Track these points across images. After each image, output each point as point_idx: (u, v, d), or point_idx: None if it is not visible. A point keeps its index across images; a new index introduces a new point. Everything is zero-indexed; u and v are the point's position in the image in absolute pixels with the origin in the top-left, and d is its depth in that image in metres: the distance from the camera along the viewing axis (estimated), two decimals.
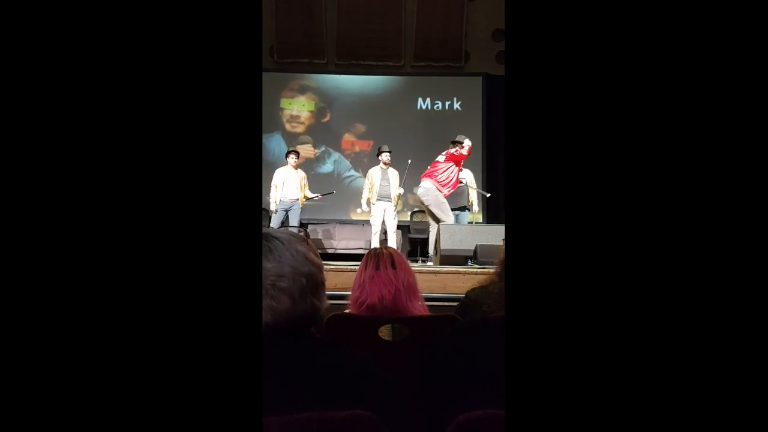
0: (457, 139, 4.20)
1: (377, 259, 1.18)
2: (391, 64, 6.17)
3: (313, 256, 0.66)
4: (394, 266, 1.16)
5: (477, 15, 6.13)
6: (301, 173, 4.79)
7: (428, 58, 6.17)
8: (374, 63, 6.09)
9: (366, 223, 5.22)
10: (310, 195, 4.81)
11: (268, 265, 0.61)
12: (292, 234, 0.67)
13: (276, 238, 0.64)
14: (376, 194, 4.43)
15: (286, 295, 0.61)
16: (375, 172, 4.51)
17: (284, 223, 4.60)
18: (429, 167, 4.20)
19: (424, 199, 4.04)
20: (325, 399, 0.58)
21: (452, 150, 4.11)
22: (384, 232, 4.47)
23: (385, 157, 4.48)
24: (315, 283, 0.64)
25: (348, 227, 5.75)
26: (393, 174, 4.52)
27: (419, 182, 4.17)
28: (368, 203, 4.49)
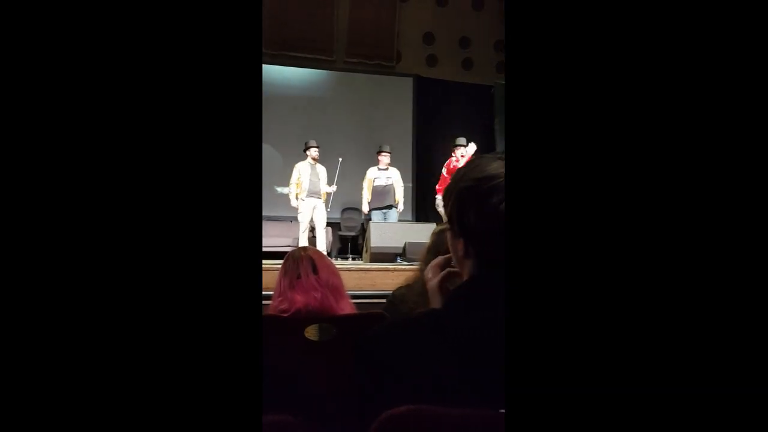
0: (458, 142, 4.22)
1: (297, 264, 1.14)
2: (322, 58, 6.08)
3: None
4: (316, 271, 1.14)
5: (409, 17, 6.26)
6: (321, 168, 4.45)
7: (360, 55, 6.18)
8: (305, 56, 5.96)
9: (294, 219, 5.11)
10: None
11: None
12: None
13: None
14: (305, 191, 4.35)
15: None
16: (303, 168, 4.42)
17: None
18: (440, 183, 4.22)
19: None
20: None
21: (453, 160, 4.16)
22: (312, 230, 4.41)
23: (313, 152, 4.40)
24: None
25: (274, 224, 5.58)
26: (322, 170, 4.47)
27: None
28: (297, 198, 4.39)
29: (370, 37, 6.15)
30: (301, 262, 1.14)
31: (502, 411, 0.50)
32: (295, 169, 4.46)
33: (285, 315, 1.10)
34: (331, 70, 6.16)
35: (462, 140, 4.39)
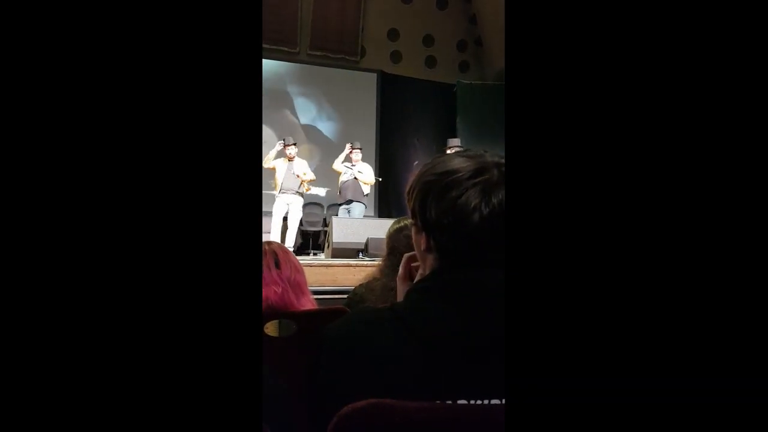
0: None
1: (268, 258, 1.11)
2: (286, 49, 5.96)
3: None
4: (278, 265, 1.12)
5: (374, 12, 6.24)
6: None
7: (324, 48, 6.10)
8: (268, 47, 5.82)
9: (266, 214, 4.98)
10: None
11: None
12: None
13: None
14: (280, 187, 4.28)
15: None
16: (279, 164, 4.33)
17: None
18: None
19: None
20: None
21: None
22: (285, 227, 4.34)
23: (291, 150, 4.32)
24: None
25: None
26: (299, 165, 4.38)
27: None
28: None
29: (334, 31, 6.08)
30: (264, 256, 1.11)
31: (462, 402, 0.51)
32: (269, 162, 4.35)
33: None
34: (294, 62, 6.05)
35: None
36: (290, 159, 4.37)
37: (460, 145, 4.48)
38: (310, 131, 6.05)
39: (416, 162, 4.72)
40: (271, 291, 1.07)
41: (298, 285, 1.13)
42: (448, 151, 4.51)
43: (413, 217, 0.62)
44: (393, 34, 6.39)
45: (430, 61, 6.54)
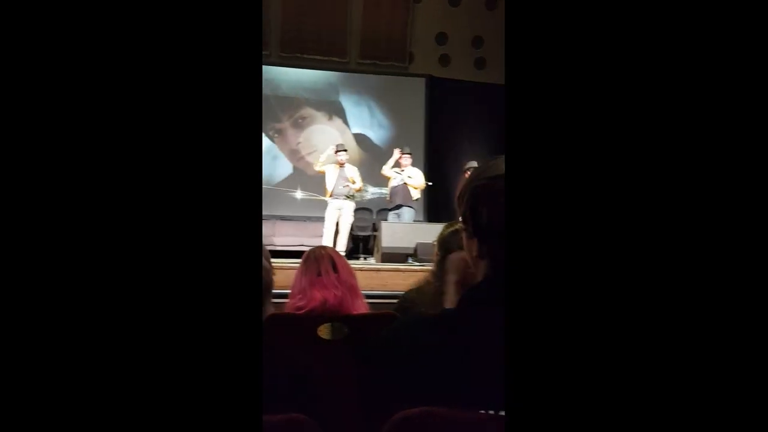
0: (469, 165, 4.40)
1: (317, 263, 1.15)
2: (336, 59, 6.11)
3: (262, 258, 0.63)
4: (336, 269, 1.14)
5: (422, 17, 6.25)
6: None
7: (373, 56, 6.19)
8: (319, 57, 6.00)
9: (308, 219, 5.13)
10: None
11: None
12: None
13: None
14: (331, 192, 4.39)
15: None
16: (330, 170, 4.45)
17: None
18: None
19: None
20: (265, 403, 0.56)
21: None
22: (337, 232, 4.43)
23: (342, 156, 4.42)
24: (262, 286, 0.62)
25: (289, 223, 5.62)
26: (351, 171, 4.47)
27: None
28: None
29: (383, 39, 6.16)
30: (321, 261, 1.15)
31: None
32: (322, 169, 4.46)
33: (300, 312, 1.11)
34: (344, 71, 6.19)
35: (473, 163, 4.57)
36: (341, 165, 4.46)
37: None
38: (361, 139, 6.15)
39: (467, 166, 4.66)
40: (330, 294, 1.10)
41: (353, 288, 1.15)
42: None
43: (464, 222, 0.61)
44: (441, 38, 6.36)
45: (480, 63, 6.43)
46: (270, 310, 0.65)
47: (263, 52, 5.91)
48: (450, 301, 0.69)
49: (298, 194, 5.03)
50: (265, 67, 5.97)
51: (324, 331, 1.09)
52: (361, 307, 1.17)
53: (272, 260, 0.81)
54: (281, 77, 6.01)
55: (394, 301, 1.41)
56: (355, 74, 6.21)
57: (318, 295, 1.10)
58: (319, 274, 1.13)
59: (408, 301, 1.28)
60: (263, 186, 5.31)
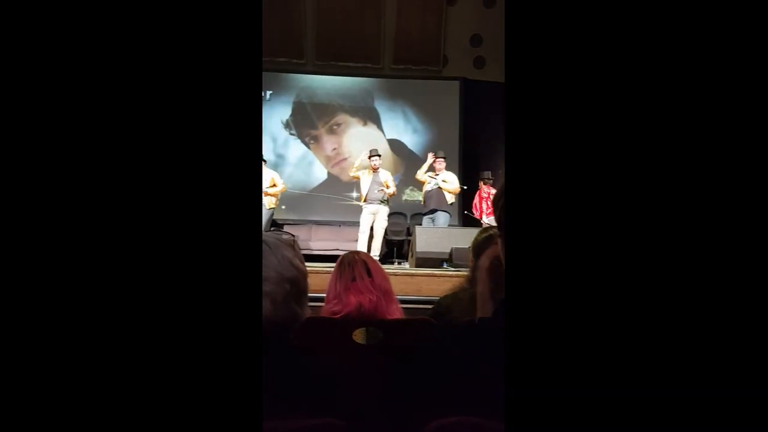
0: (484, 176, 4.56)
1: (351, 268, 1.16)
2: (370, 65, 6.17)
3: (298, 262, 0.65)
4: (370, 274, 1.15)
5: (455, 20, 6.20)
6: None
7: (407, 61, 6.20)
8: (353, 64, 6.08)
9: (342, 224, 5.19)
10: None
11: None
12: (280, 239, 0.66)
13: (263, 241, 0.63)
14: (365, 197, 4.43)
15: (268, 300, 0.60)
16: (364, 176, 4.48)
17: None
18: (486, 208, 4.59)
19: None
20: (296, 406, 0.57)
21: (483, 193, 4.54)
22: (371, 237, 4.46)
23: (375, 161, 4.46)
24: (298, 290, 0.64)
25: (324, 228, 5.71)
26: (384, 176, 4.50)
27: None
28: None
29: (416, 43, 6.15)
30: (355, 266, 1.16)
31: None
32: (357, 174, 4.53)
33: (336, 317, 1.12)
34: (377, 77, 6.23)
35: (487, 173, 4.65)
36: (374, 170, 4.49)
37: (491, 177, 4.64)
38: (396, 145, 6.17)
39: (501, 170, 4.59)
40: (365, 299, 1.11)
41: (387, 293, 1.15)
42: (483, 185, 4.54)
43: (499, 228, 0.60)
44: (476, 40, 6.28)
45: None
46: (307, 313, 0.67)
47: (299, 61, 6.07)
48: (485, 308, 0.68)
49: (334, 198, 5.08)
50: (300, 76, 6.12)
51: (359, 336, 1.09)
52: (396, 312, 1.17)
53: (308, 264, 0.82)
54: (317, 84, 6.13)
55: (429, 306, 1.39)
56: (389, 79, 6.24)
57: (353, 300, 1.11)
58: (354, 279, 1.14)
59: (443, 307, 1.27)
60: (299, 192, 5.47)
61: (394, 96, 6.25)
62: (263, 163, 4.56)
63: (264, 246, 0.62)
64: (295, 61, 6.08)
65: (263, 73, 5.89)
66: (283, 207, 5.36)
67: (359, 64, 6.11)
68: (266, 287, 0.60)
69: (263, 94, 6.08)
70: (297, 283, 0.63)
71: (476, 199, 4.79)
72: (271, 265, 0.61)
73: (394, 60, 6.21)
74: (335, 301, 1.14)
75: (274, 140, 6.08)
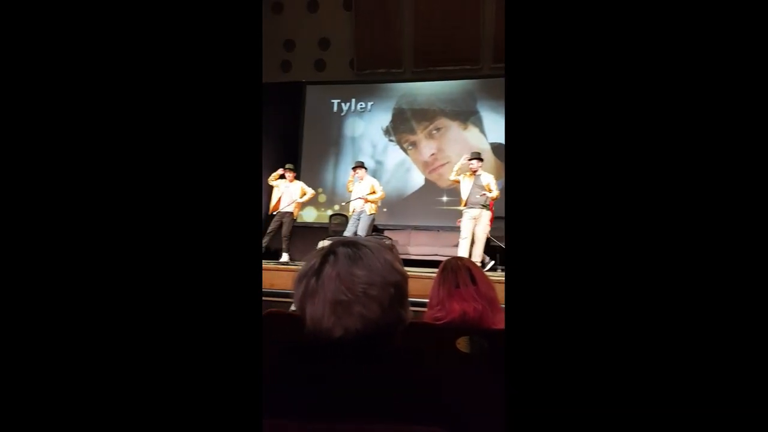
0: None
1: (455, 274, 1.13)
2: (468, 67, 6.06)
3: (398, 265, 0.66)
4: (474, 281, 1.11)
5: None
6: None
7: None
8: (451, 67, 6.03)
9: (441, 228, 5.14)
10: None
11: (359, 272, 0.61)
12: (380, 242, 0.67)
13: (365, 246, 0.65)
14: (465, 201, 4.36)
15: (376, 304, 0.61)
16: (464, 180, 4.42)
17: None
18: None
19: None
20: (403, 411, 0.57)
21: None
22: (473, 242, 4.37)
23: (474, 164, 4.38)
24: (401, 293, 0.64)
25: (423, 233, 5.73)
26: (486, 178, 4.40)
27: None
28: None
29: None
30: (459, 272, 1.13)
31: None
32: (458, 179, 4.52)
33: (439, 323, 1.11)
34: (476, 78, 6.09)
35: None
36: (475, 173, 4.38)
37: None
38: (500, 149, 5.96)
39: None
40: (470, 307, 1.08)
41: (493, 302, 1.11)
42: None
43: None
44: None
45: None
46: (409, 316, 0.66)
47: (398, 70, 6.21)
48: None
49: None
50: (400, 84, 6.25)
51: (462, 344, 1.06)
52: (502, 323, 1.11)
53: (408, 269, 0.82)
54: (417, 90, 6.20)
55: None
56: (494, 80, 6.05)
57: (457, 307, 1.09)
58: (458, 286, 1.11)
59: None
60: (396, 198, 5.56)
61: (498, 96, 6.03)
62: (364, 170, 4.75)
63: (367, 250, 0.63)
64: (393, 71, 6.24)
65: (364, 85, 6.13)
66: (385, 209, 5.49)
67: (457, 67, 6.04)
68: (373, 291, 0.61)
69: (365, 105, 6.35)
70: (400, 287, 0.63)
71: None
72: (375, 270, 0.62)
73: (494, 59, 6.02)
74: (438, 307, 1.13)
75: (374, 146, 6.28)
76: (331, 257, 0.63)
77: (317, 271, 0.62)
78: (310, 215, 6.27)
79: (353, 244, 0.64)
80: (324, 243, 0.82)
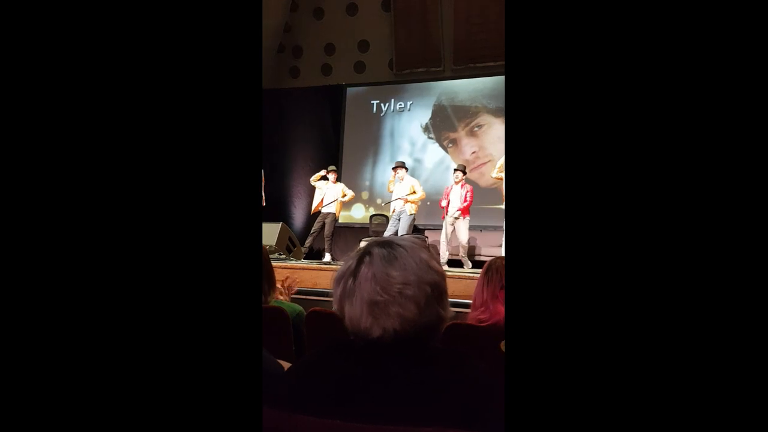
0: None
1: (500, 275, 1.10)
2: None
3: (435, 264, 0.65)
4: None
5: None
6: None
7: None
8: (491, 64, 5.90)
9: (484, 228, 5.04)
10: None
11: (394, 272, 0.61)
12: (414, 241, 0.67)
13: (400, 245, 0.64)
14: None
15: (413, 303, 0.61)
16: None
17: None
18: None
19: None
20: (443, 414, 0.56)
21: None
22: None
23: None
24: (439, 291, 0.63)
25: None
26: None
27: None
28: None
29: None
30: (496, 273, 1.10)
31: None
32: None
33: (483, 325, 1.09)
34: None
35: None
36: None
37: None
38: None
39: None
40: None
41: None
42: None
43: None
44: None
45: None
46: (449, 314, 0.65)
47: (437, 69, 6.15)
48: None
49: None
50: (439, 82, 6.19)
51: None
52: None
53: (451, 269, 0.81)
54: (458, 87, 6.12)
55: None
56: None
57: (502, 310, 1.05)
58: (503, 287, 1.08)
59: None
60: (436, 197, 5.49)
61: None
62: (404, 170, 4.74)
63: (402, 250, 0.63)
64: (433, 69, 6.19)
65: (403, 85, 6.09)
66: (428, 203, 5.44)
67: (498, 63, 5.90)
68: (409, 291, 0.61)
69: (404, 105, 6.34)
70: (437, 285, 0.62)
71: None
72: (410, 269, 0.62)
73: None
74: (482, 309, 1.10)
75: (413, 144, 6.25)
76: (367, 258, 0.63)
77: (354, 273, 0.62)
78: (358, 213, 6.33)
79: (388, 244, 0.64)
80: (364, 243, 0.83)
